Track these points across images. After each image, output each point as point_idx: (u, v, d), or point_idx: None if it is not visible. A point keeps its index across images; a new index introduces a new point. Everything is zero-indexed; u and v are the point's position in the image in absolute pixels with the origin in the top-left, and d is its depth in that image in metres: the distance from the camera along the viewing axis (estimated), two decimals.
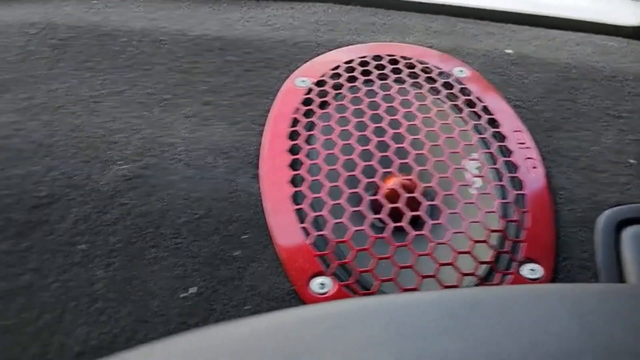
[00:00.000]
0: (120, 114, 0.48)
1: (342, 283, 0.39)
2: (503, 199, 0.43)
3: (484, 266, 0.40)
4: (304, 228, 0.41)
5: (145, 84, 0.51)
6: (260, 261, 0.40)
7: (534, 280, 0.40)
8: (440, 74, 0.52)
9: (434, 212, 0.42)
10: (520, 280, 0.40)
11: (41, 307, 0.36)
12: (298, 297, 0.39)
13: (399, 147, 0.45)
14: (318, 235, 0.41)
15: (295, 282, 0.39)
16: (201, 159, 0.45)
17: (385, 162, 0.44)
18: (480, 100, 0.50)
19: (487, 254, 0.40)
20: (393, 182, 0.43)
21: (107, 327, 0.36)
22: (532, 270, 0.41)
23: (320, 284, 0.39)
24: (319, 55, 0.55)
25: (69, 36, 0.55)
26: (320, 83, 0.51)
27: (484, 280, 0.40)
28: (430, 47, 0.56)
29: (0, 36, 0.54)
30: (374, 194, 0.43)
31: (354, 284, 0.39)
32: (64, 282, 0.37)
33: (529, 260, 0.41)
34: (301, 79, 0.52)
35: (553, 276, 0.41)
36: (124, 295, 0.37)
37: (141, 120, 0.47)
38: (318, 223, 0.42)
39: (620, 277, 0.41)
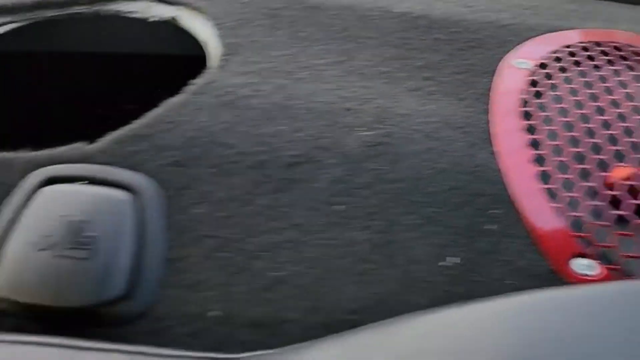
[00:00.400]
0: (346, 83, 0.47)
1: (608, 266, 0.37)
2: None
3: None
4: (557, 208, 0.39)
5: (361, 55, 0.51)
6: (513, 237, 0.38)
7: None
8: None
9: None
10: None
11: (308, 262, 0.36)
12: (559, 277, 0.37)
13: (631, 140, 0.43)
14: (574, 215, 0.39)
15: (554, 261, 0.37)
16: (438, 132, 0.44)
17: (619, 156, 0.42)
18: None
19: None
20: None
21: (374, 288, 0.35)
22: None
23: (585, 264, 0.37)
24: (529, 38, 0.54)
25: (280, 6, 0.55)
26: (542, 65, 0.50)
27: None
28: None
29: (213, 5, 0.55)
30: (610, 185, 0.41)
31: (619, 270, 0.37)
32: (326, 240, 0.37)
33: None
34: (520, 61, 0.50)
35: None
36: (387, 259, 0.36)
37: (368, 90, 0.47)
38: (572, 204, 0.40)
39: None
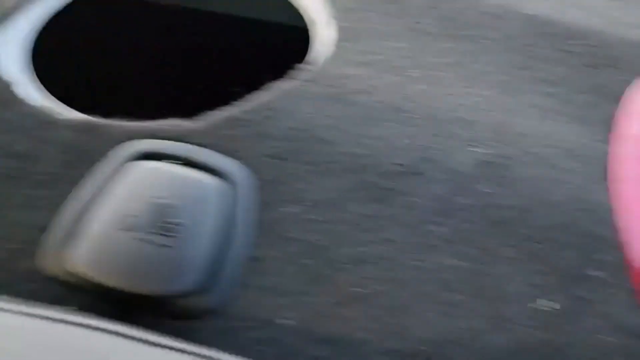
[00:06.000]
0: (464, 89, 0.44)
1: None
2: None
3: None
4: None
5: (481, 59, 0.47)
6: (617, 287, 0.35)
7: None
8: None
9: None
10: None
11: (393, 282, 0.34)
12: None
13: None
14: None
15: None
16: (557, 158, 0.40)
17: None
18: None
19: None
20: None
21: (457, 322, 0.33)
22: None
23: None
24: None
25: None
26: None
27: None
28: None
29: None
30: None
31: None
32: (416, 262, 0.35)
33: None
34: None
35: None
36: (477, 291, 0.34)
37: (484, 99, 0.44)
38: None
39: None
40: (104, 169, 0.36)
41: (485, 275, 0.35)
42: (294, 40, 0.50)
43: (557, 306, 0.34)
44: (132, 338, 0.26)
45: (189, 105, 0.42)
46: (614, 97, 0.46)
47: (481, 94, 0.44)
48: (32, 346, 0.24)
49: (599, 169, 0.41)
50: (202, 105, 0.42)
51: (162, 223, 0.33)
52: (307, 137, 0.39)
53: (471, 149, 0.40)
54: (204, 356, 0.26)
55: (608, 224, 0.38)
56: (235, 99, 0.42)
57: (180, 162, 0.37)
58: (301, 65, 0.44)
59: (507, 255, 0.36)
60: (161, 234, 0.32)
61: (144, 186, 0.34)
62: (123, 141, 0.38)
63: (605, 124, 0.44)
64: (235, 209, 0.35)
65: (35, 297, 0.28)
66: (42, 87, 0.46)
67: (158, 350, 0.26)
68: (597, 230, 0.37)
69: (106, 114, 0.41)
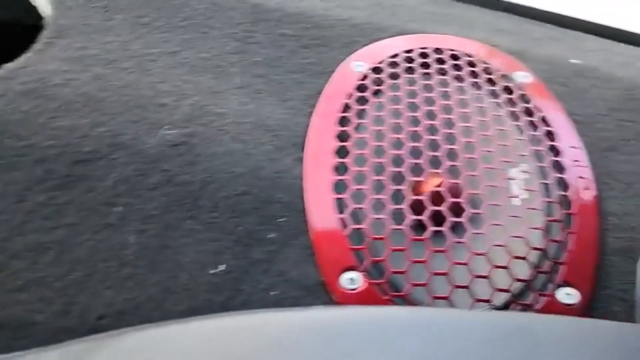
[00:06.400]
0: (172, 75, 0.47)
1: (372, 281, 0.38)
2: (549, 216, 0.42)
3: (520, 284, 0.39)
4: (341, 219, 0.40)
5: (200, 47, 0.50)
6: (293, 247, 0.39)
7: (569, 306, 0.39)
8: (502, 77, 0.51)
9: (476, 220, 0.41)
10: (555, 303, 0.39)
11: (71, 264, 0.36)
12: (326, 290, 0.38)
13: (450, 148, 0.44)
14: (355, 228, 0.40)
15: (326, 273, 0.39)
16: (248, 134, 0.44)
17: (434, 162, 0.43)
18: (539, 110, 0.48)
19: (525, 272, 0.39)
20: (439, 184, 0.42)
21: (133, 294, 0.36)
22: (568, 294, 0.39)
23: (350, 279, 0.38)
24: (378, 40, 0.54)
25: None
26: (376, 70, 0.50)
27: (517, 299, 0.39)
28: (494, 46, 0.54)
29: None
30: (418, 194, 0.42)
31: (385, 284, 0.38)
32: (96, 242, 0.37)
33: (566, 284, 0.40)
34: (358, 63, 0.51)
35: (589, 304, 0.40)
36: (154, 264, 0.37)
37: (192, 85, 0.47)
38: (357, 216, 0.41)
39: None
40: None
41: (163, 248, 0.38)
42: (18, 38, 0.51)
43: (223, 267, 0.37)
44: None
45: None
46: (322, 73, 0.50)
47: (189, 79, 0.47)
48: None
49: (292, 139, 0.45)
50: None
51: None
52: None
53: (163, 132, 0.42)
54: None
55: (291, 189, 0.42)
56: None
57: None
58: (4, 65, 0.45)
59: (186, 228, 0.39)
60: None
61: None
62: None
63: (309, 99, 0.48)
64: None
65: None
66: None
67: None
68: (279, 196, 0.41)
69: None
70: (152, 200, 0.39)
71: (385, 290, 0.38)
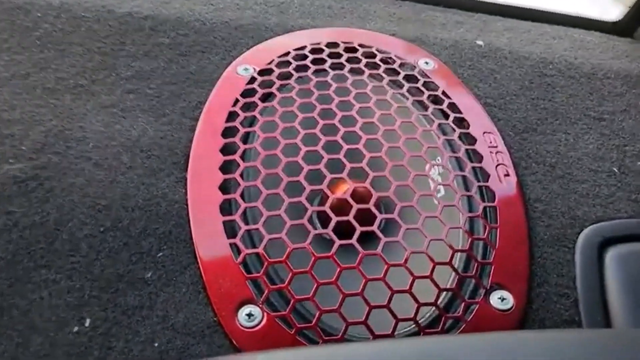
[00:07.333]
0: (22, 101, 0.40)
1: (274, 314, 0.32)
2: (470, 212, 0.37)
3: (446, 293, 0.34)
4: (233, 244, 0.34)
5: (57, 67, 0.43)
6: (177, 285, 0.33)
7: (504, 312, 0.34)
8: (403, 65, 0.46)
9: (389, 227, 0.36)
10: (488, 310, 0.34)
11: None
12: (222, 330, 0.32)
13: (352, 148, 0.38)
14: (250, 253, 0.34)
15: (220, 311, 0.32)
16: (114, 158, 0.37)
17: (336, 165, 0.38)
18: (447, 97, 0.44)
19: (450, 279, 0.34)
20: (343, 190, 0.37)
21: None
22: (501, 299, 0.34)
23: (248, 314, 0.32)
24: (266, 40, 0.48)
25: None
26: (265, 72, 0.44)
27: (446, 311, 0.33)
28: (393, 35, 0.50)
29: None
30: (320, 204, 0.36)
31: (289, 315, 0.32)
32: None
33: (498, 286, 0.35)
34: (244, 67, 0.45)
35: (526, 305, 0.35)
36: (6, 323, 0.30)
37: (46, 110, 0.40)
38: (251, 238, 0.35)
39: (605, 307, 0.35)
40: None
41: (11, 309, 0.30)
42: None
43: (90, 322, 0.30)
44: None
45: None
46: (205, 82, 0.44)
47: (44, 103, 0.40)
48: None
49: (171, 158, 0.38)
50: None
51: None
52: None
53: (6, 167, 0.35)
54: None
55: (171, 215, 0.35)
56: None
57: None
58: None
59: (39, 279, 0.31)
60: None
61: None
62: None
63: (190, 111, 0.42)
64: None
65: None
66: None
67: None
68: (156, 227, 0.35)
69: None
70: None
71: (291, 322, 0.32)
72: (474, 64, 0.49)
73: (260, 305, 0.32)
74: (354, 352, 0.23)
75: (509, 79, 0.48)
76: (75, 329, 0.30)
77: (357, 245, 0.34)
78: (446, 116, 0.42)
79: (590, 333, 0.26)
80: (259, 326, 0.32)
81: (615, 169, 0.42)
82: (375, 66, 0.45)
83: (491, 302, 0.34)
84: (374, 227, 0.35)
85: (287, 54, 0.46)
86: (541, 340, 0.22)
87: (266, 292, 0.33)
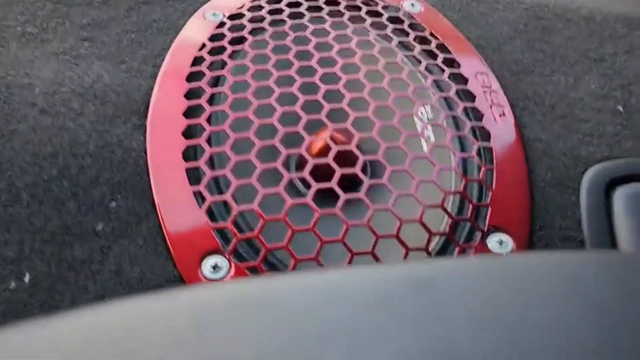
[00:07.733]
0: None
1: (243, 264, 0.28)
2: (463, 152, 0.33)
3: (439, 238, 0.30)
4: (197, 192, 0.30)
5: (4, 14, 0.39)
6: (132, 237, 0.29)
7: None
8: (386, 8, 0.42)
9: (374, 169, 0.32)
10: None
11: None
12: (183, 284, 0.28)
13: (331, 88, 0.35)
14: (215, 201, 0.30)
15: (182, 263, 0.28)
16: (63, 105, 0.33)
17: (313, 107, 0.34)
18: (435, 37, 0.40)
19: (443, 223, 0.30)
20: (321, 133, 0.33)
21: None
22: (500, 242, 0.31)
23: (214, 265, 0.28)
24: None
25: None
26: (235, 16, 0.40)
27: (439, 256, 0.30)
28: None
29: None
30: (296, 147, 0.32)
31: (260, 265, 0.28)
32: None
33: (496, 229, 0.31)
34: (212, 12, 0.41)
35: (527, 249, 0.31)
36: None
37: None
38: (218, 185, 0.31)
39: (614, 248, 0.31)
40: None
41: None
42: None
43: (30, 278, 0.26)
44: None
45: None
46: (169, 29, 0.40)
47: None
48: None
49: (128, 105, 0.34)
50: None
51: None
52: None
53: None
54: None
55: (126, 164, 0.31)
56: None
57: None
58: None
59: None
60: None
61: None
62: None
63: (151, 60, 0.38)
64: None
65: None
66: None
67: None
68: (109, 176, 0.31)
69: None
70: None
71: (262, 273, 0.28)
72: (463, 7, 0.45)
73: (228, 257, 0.28)
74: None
75: (502, 23, 0.44)
76: (13, 284, 0.26)
77: (337, 189, 0.30)
78: (434, 57, 0.39)
79: (601, 254, 0.22)
80: (226, 278, 0.28)
81: (620, 108, 0.38)
82: (356, 8, 0.41)
83: (489, 245, 0.30)
84: (356, 169, 0.31)
85: None
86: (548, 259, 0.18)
87: (234, 241, 0.29)
